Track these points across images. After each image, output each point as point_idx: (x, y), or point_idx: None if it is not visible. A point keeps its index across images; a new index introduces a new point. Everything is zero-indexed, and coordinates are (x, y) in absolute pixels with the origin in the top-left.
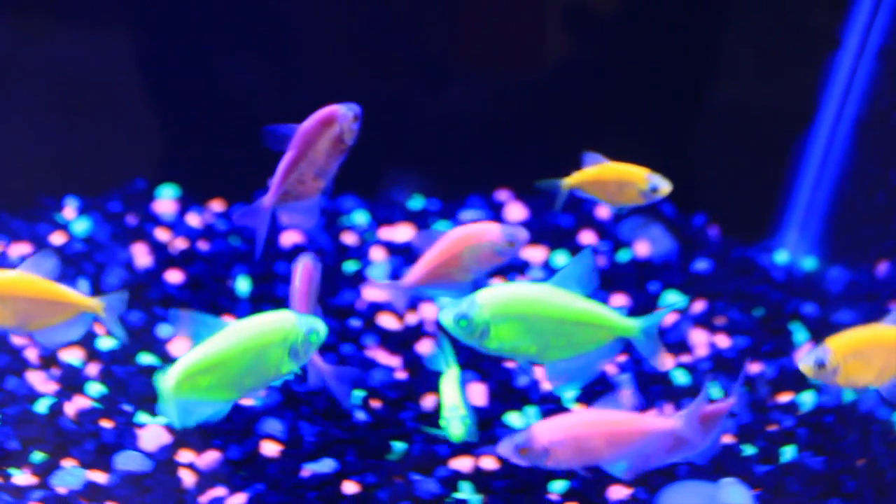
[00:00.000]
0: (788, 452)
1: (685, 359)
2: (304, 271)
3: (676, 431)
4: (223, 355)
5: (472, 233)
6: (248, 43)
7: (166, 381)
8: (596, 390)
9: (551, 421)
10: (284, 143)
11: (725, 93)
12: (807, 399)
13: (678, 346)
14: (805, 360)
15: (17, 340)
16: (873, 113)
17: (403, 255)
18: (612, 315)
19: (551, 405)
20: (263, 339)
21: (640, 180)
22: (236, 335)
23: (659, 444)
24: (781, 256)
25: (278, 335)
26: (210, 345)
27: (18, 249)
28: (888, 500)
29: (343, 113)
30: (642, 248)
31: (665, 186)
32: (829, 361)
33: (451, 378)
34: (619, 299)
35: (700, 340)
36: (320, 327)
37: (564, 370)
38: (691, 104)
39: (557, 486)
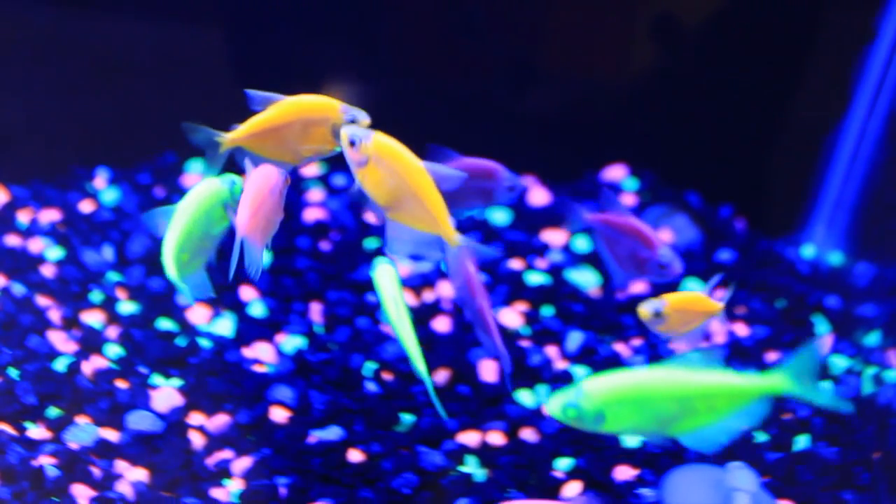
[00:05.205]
0: (802, 441)
1: (702, 346)
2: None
3: None
4: (187, 228)
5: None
6: (301, 26)
7: (169, 271)
8: None
9: None
10: (443, 159)
11: (757, 85)
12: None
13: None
14: (646, 307)
15: (41, 301)
16: None
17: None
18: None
19: (562, 384)
20: (205, 205)
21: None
22: (183, 214)
23: None
24: (808, 250)
25: (214, 196)
26: (173, 227)
27: (48, 216)
28: None
29: (505, 176)
30: (666, 237)
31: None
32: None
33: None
34: (640, 286)
35: (718, 328)
36: (237, 180)
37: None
38: (720, 97)
39: (563, 464)
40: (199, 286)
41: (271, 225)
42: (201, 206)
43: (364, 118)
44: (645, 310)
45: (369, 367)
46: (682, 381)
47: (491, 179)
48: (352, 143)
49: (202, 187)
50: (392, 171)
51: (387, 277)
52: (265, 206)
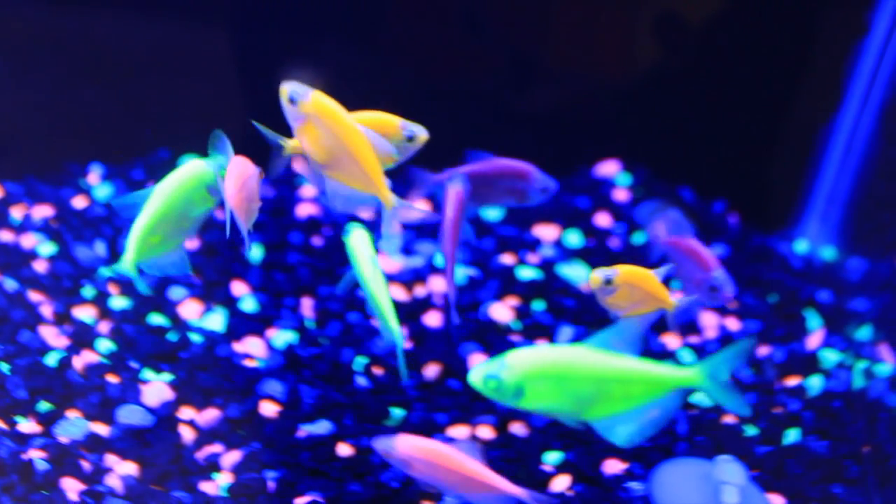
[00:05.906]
0: (792, 435)
1: (693, 339)
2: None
3: None
4: (160, 211)
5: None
6: (297, 25)
7: (127, 256)
8: None
9: None
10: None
11: (750, 80)
12: (815, 383)
13: (687, 326)
14: (598, 273)
15: (33, 296)
16: None
17: (415, 230)
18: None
19: None
20: (185, 186)
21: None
22: (161, 193)
23: None
24: (801, 245)
25: (196, 178)
26: (146, 210)
27: (41, 212)
28: (891, 486)
29: (538, 178)
30: (658, 232)
31: None
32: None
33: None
34: None
35: (710, 322)
36: (224, 162)
37: (615, 423)
38: (713, 93)
39: (552, 458)
40: (177, 264)
41: (252, 209)
42: (181, 186)
43: (423, 133)
44: (596, 276)
45: (360, 361)
46: (602, 364)
47: (524, 180)
48: (291, 101)
49: (185, 168)
50: (328, 130)
51: (360, 241)
52: (247, 187)
